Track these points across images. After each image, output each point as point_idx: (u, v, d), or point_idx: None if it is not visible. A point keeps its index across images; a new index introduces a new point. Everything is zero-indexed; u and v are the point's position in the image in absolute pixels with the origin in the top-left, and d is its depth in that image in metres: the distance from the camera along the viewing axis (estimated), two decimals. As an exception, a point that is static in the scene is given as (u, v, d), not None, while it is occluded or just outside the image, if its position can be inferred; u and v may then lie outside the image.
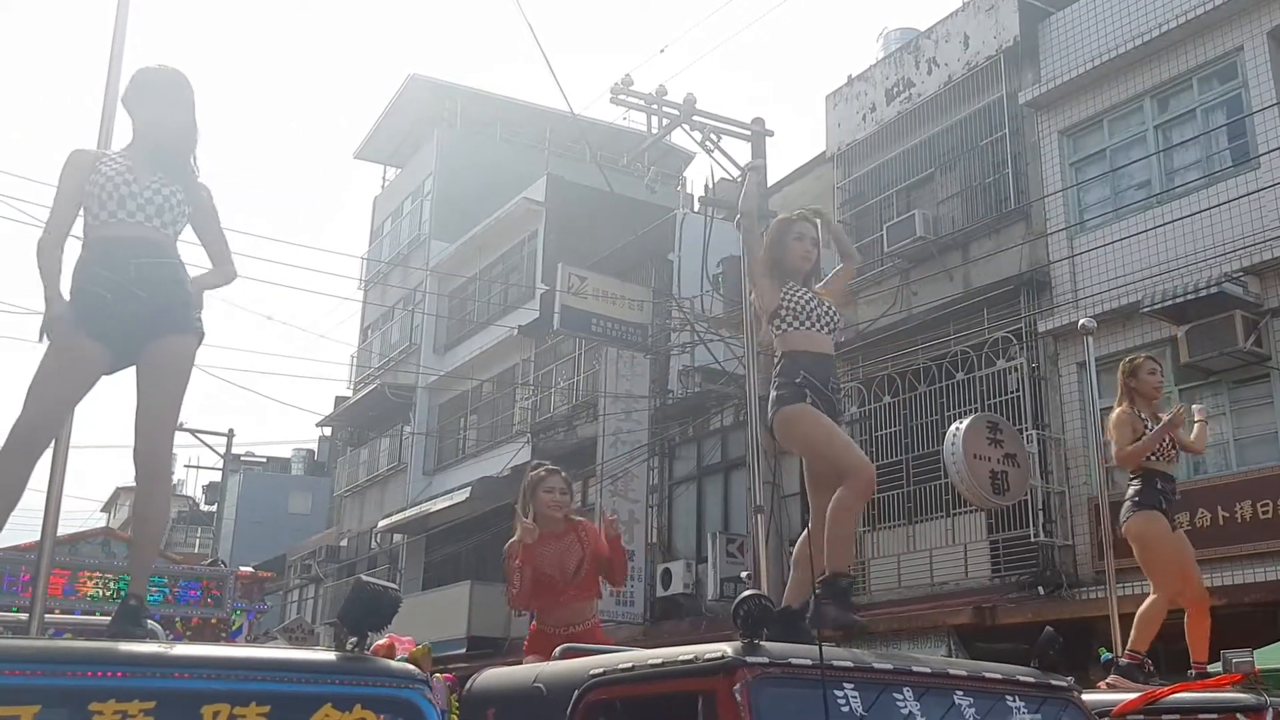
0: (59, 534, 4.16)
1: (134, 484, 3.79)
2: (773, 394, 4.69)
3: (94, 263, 3.69)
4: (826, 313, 4.76)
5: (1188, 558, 6.27)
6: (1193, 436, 6.55)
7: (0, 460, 3.50)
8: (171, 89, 3.95)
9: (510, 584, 5.37)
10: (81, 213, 3.79)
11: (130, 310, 3.65)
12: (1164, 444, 6.25)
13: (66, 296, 3.66)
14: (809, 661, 3.29)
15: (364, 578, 3.00)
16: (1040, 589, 12.59)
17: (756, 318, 4.99)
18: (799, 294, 4.75)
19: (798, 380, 4.60)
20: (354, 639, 2.91)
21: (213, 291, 4.06)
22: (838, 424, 4.70)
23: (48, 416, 3.59)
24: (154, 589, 11.28)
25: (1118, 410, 6.36)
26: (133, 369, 3.75)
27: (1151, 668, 5.95)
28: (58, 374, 3.60)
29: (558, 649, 4.83)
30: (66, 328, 3.60)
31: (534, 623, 5.50)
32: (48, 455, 3.67)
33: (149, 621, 3.69)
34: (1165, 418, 6.30)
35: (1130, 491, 6.26)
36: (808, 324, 4.70)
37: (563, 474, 5.59)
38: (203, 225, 4.01)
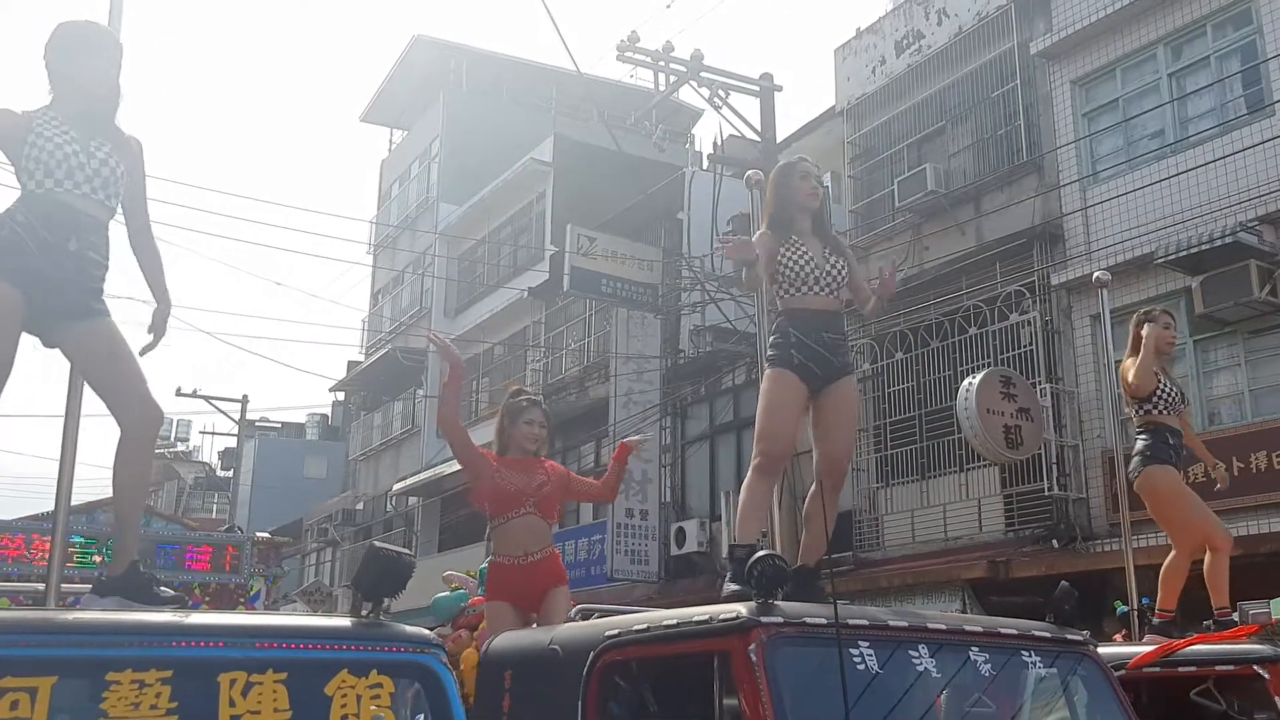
0: (75, 502, 4.15)
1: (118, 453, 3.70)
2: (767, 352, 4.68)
3: (32, 219, 3.55)
4: (826, 274, 4.61)
5: (1201, 507, 6.24)
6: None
7: None
8: (108, 48, 3.80)
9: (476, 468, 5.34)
10: (14, 170, 3.64)
11: (57, 280, 3.54)
12: (1170, 393, 6.21)
13: None
14: (824, 621, 3.29)
15: (377, 544, 3.00)
16: (1054, 542, 12.61)
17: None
18: (794, 256, 4.60)
19: (791, 341, 4.54)
20: (369, 604, 2.91)
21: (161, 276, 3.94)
22: (837, 379, 4.60)
23: None
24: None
25: (1128, 359, 6.35)
26: (59, 352, 3.67)
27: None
28: None
29: (574, 609, 4.86)
30: None
31: (490, 558, 5.38)
32: (57, 423, 3.65)
33: (165, 590, 3.68)
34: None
35: (1139, 445, 6.20)
36: (803, 289, 4.59)
37: (543, 407, 5.57)
38: (132, 191, 3.85)
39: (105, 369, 3.66)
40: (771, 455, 4.52)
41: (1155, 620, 5.88)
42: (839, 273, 4.66)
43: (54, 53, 3.75)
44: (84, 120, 3.72)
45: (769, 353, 4.65)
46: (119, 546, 3.69)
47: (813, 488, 4.62)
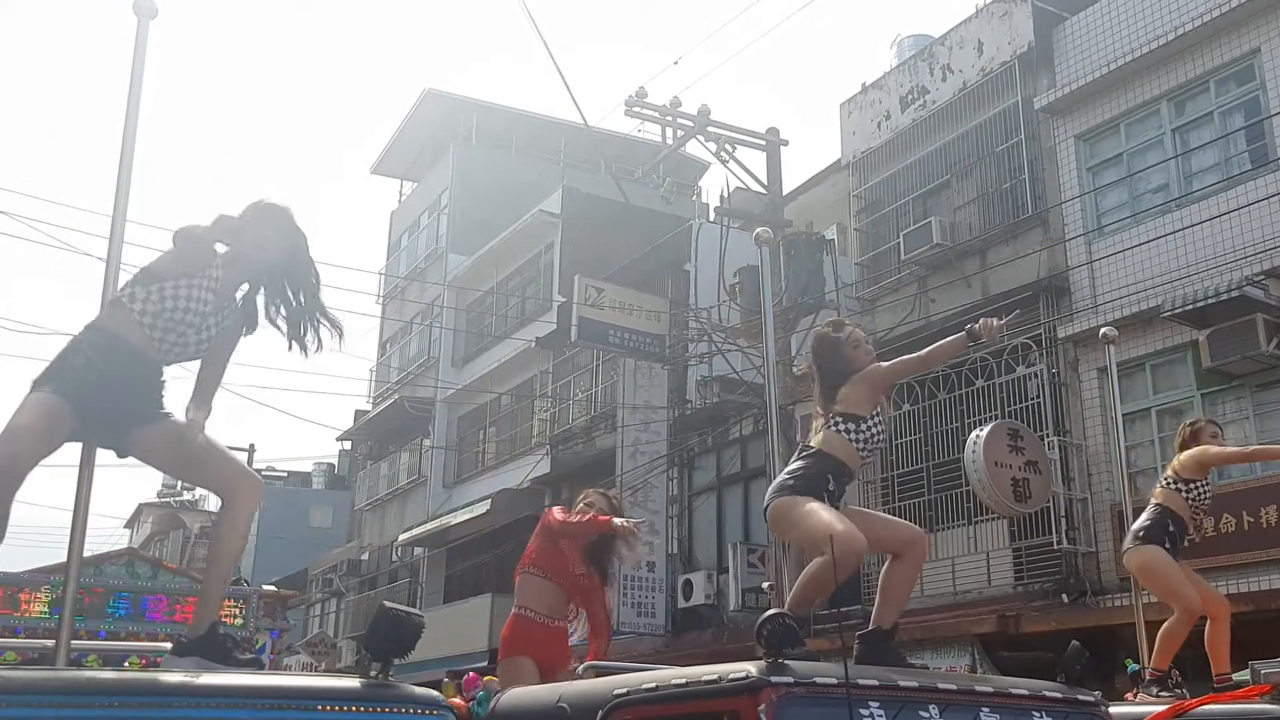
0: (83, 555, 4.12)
1: (216, 512, 3.76)
2: (785, 479, 4.55)
3: (94, 355, 3.58)
4: (873, 439, 4.71)
5: (1195, 578, 6.22)
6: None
7: None
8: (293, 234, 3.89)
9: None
10: (134, 285, 3.65)
11: (107, 404, 3.57)
12: (1204, 495, 6.22)
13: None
14: (834, 681, 3.28)
15: (387, 603, 3.00)
16: (1064, 597, 12.52)
17: (817, 396, 4.78)
18: (877, 425, 4.68)
19: (828, 487, 4.51)
20: (378, 665, 2.91)
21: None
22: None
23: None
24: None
25: (1198, 448, 6.25)
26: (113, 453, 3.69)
27: (1179, 678, 5.89)
28: (31, 429, 3.44)
29: (581, 666, 4.85)
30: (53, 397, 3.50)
31: (515, 610, 5.64)
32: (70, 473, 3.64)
33: (244, 653, 3.61)
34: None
35: (1142, 520, 6.19)
36: (865, 451, 4.65)
37: (609, 495, 5.91)
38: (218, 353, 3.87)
39: (179, 458, 3.68)
40: (840, 562, 4.20)
41: (1147, 678, 5.84)
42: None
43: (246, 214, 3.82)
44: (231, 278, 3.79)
45: (793, 481, 4.53)
46: (201, 608, 3.68)
47: (889, 560, 4.59)
